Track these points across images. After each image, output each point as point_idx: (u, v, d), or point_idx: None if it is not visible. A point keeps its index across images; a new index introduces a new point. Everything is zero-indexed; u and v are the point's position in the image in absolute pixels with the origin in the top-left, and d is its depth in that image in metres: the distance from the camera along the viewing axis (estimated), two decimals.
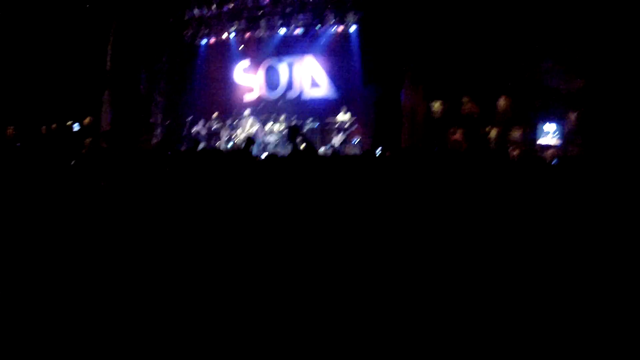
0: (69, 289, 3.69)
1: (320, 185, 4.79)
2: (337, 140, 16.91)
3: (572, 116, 13.52)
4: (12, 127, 20.33)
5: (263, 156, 14.47)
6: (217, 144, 18.87)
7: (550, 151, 13.02)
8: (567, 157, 11.92)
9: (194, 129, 19.23)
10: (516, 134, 13.93)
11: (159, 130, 20.49)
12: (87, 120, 19.86)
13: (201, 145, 17.38)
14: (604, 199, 4.55)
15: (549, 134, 13.61)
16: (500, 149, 13.08)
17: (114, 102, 19.35)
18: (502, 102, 14.40)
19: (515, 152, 13.19)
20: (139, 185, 5.42)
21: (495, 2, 14.00)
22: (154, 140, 20.01)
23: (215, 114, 19.50)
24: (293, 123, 17.75)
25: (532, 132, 13.87)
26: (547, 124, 13.75)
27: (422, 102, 15.43)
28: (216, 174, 5.56)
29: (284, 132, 17.72)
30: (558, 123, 13.69)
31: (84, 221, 4.50)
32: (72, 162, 7.67)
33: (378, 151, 13.11)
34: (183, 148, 18.28)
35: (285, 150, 16.28)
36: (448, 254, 3.94)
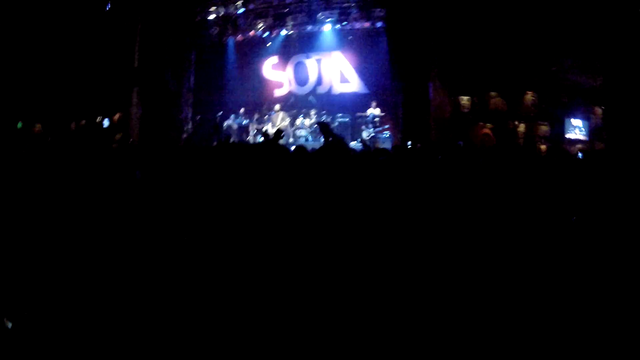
0: (105, 279, 3.78)
1: (352, 178, 4.82)
2: (366, 134, 17.59)
3: (598, 112, 14.14)
4: (39, 124, 21.11)
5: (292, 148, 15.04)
6: (247, 138, 19.52)
7: (577, 146, 13.60)
8: (592, 152, 12.45)
9: (225, 124, 19.84)
10: (543, 129, 14.52)
11: (189, 126, 21.14)
12: (116, 117, 20.57)
13: (231, 140, 17.84)
14: (628, 192, 4.61)
15: (576, 129, 14.17)
16: (529, 144, 13.67)
17: (142, 98, 19.99)
18: (528, 97, 14.95)
19: (543, 147, 13.81)
20: (173, 179, 5.50)
21: (516, 3, 14.54)
22: (184, 135, 20.69)
23: (242, 109, 20.21)
24: (323, 118, 18.54)
25: (559, 127, 14.41)
26: (574, 119, 14.29)
27: (450, 97, 16.00)
28: (245, 166, 5.55)
29: (314, 127, 18.43)
30: (584, 118, 14.24)
31: (121, 212, 4.58)
32: (108, 155, 7.99)
33: (408, 145, 13.73)
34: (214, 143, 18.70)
35: (315, 145, 16.79)
36: (478, 246, 4.01)
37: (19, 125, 20.24)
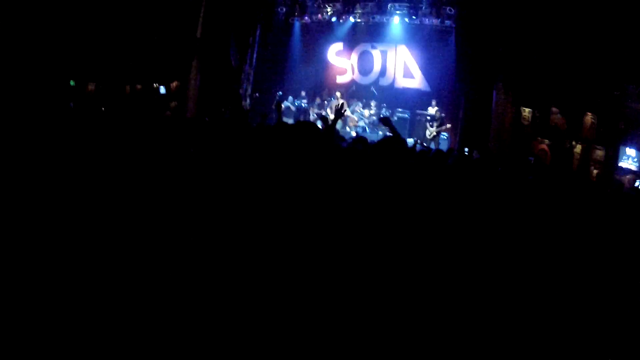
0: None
1: (409, 179, 4.85)
2: (429, 132, 18.95)
3: None
4: (93, 84, 22.54)
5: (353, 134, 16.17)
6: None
7: (628, 176, 14.76)
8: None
9: (283, 105, 20.78)
10: (599, 153, 15.71)
11: (247, 102, 22.63)
12: (174, 85, 22.14)
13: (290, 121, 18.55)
14: None
15: (629, 159, 15.19)
16: (583, 168, 14.72)
17: (202, 69, 21.25)
18: (588, 118, 16.07)
19: (595, 172, 14.95)
20: (229, 157, 5.30)
21: (589, 22, 15.29)
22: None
23: (303, 92, 21.87)
24: (383, 111, 20.22)
25: (613, 154, 15.45)
26: (629, 148, 15.26)
27: (512, 107, 17.11)
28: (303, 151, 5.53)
29: (373, 118, 20.02)
30: (638, 149, 15.15)
31: (170, 187, 4.44)
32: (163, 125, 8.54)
33: (465, 151, 14.76)
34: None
35: (373, 136, 18.19)
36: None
37: (72, 83, 21.76)
